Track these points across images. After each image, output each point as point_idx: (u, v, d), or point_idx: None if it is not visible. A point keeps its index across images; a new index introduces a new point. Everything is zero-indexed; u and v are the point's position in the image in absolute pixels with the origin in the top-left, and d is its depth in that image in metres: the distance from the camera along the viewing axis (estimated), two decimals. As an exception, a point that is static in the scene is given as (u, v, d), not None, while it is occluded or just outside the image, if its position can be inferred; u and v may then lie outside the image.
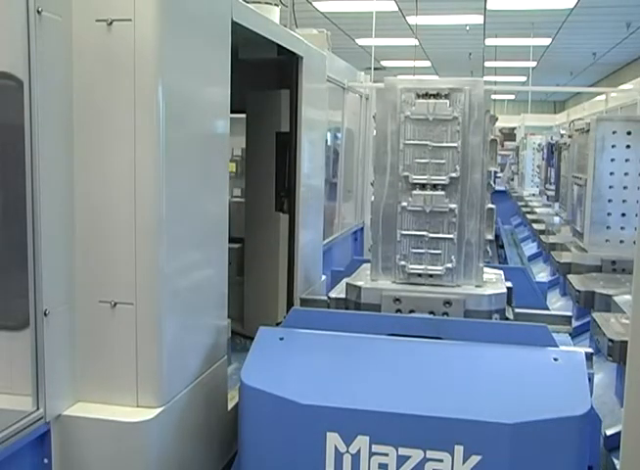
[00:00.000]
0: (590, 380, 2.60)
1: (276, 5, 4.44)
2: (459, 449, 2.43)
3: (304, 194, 4.39)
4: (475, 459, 2.43)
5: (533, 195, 13.34)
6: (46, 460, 2.46)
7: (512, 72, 20.86)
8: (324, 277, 5.10)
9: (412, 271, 3.41)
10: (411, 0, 11.51)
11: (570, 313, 3.90)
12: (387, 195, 3.45)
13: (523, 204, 12.14)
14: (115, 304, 2.53)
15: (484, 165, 3.41)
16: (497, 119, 3.58)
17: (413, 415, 2.46)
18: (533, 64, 16.92)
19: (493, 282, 3.52)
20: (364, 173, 8.55)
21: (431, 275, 3.40)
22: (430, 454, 2.45)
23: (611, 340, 3.49)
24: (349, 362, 2.78)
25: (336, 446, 2.52)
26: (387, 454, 2.48)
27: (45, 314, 2.36)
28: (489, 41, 15.89)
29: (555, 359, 2.67)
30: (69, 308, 2.52)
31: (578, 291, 4.81)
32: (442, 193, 3.39)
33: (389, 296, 3.27)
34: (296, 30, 5.41)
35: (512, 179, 18.60)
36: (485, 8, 12.52)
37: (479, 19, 13.52)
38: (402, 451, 2.46)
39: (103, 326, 2.55)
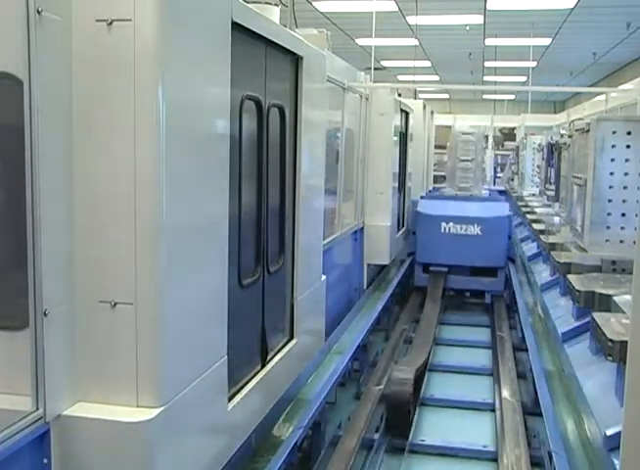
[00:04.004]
0: (510, 212, 10.20)
1: (276, 5, 4.43)
2: (479, 224, 9.54)
3: (304, 194, 4.39)
4: (480, 226, 9.49)
5: (533, 195, 13.35)
6: (46, 460, 2.45)
7: (512, 72, 20.88)
8: (324, 277, 5.10)
9: (460, 185, 12.27)
10: (411, 0, 11.53)
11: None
12: (452, 163, 12.71)
13: (523, 204, 12.16)
14: (115, 304, 2.53)
15: (482, 155, 13.64)
16: (488, 138, 15.57)
17: (464, 216, 9.64)
18: (533, 64, 16.93)
19: (485, 190, 13.36)
20: (364, 173, 8.55)
21: (465, 187, 12.19)
22: (468, 227, 9.55)
23: (611, 340, 3.49)
24: (445, 203, 10.34)
25: (443, 226, 9.64)
26: (457, 227, 9.58)
27: (45, 314, 2.36)
28: (489, 41, 15.90)
29: (487, 198, 12.13)
30: (69, 308, 2.52)
31: (578, 291, 4.81)
32: (469, 163, 12.27)
33: (453, 192, 12.24)
34: (296, 30, 5.41)
35: (512, 179, 18.62)
36: (485, 8, 12.53)
37: (479, 19, 13.53)
38: (460, 226, 9.57)
39: (103, 326, 2.55)
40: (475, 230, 9.44)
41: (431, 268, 9.60)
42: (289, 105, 4.16)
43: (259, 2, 4.15)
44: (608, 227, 5.62)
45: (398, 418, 5.16)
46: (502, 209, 9.95)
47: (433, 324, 7.71)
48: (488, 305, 9.33)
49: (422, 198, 11.07)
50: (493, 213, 9.70)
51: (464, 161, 12.22)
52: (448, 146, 13.54)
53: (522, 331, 6.94)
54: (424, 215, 9.87)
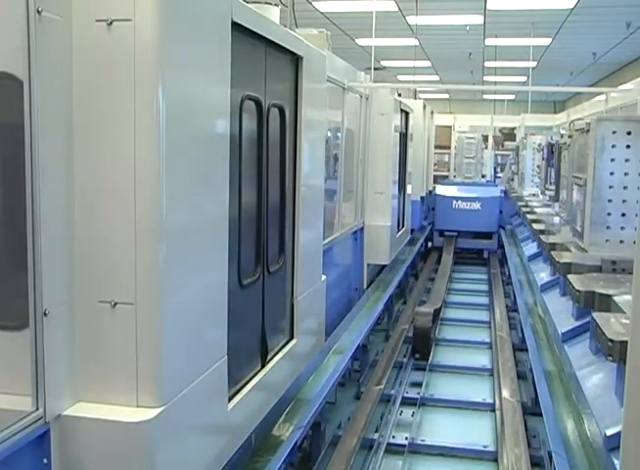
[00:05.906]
0: (501, 194, 14.70)
1: (276, 5, 4.43)
2: (479, 201, 13.96)
3: (304, 194, 4.39)
4: (480, 203, 13.99)
5: (533, 195, 13.34)
6: (46, 460, 2.45)
7: (512, 72, 20.86)
8: (324, 277, 5.10)
9: (465, 175, 17.76)
10: (411, 0, 11.52)
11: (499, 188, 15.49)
12: (459, 159, 18.19)
13: (523, 204, 12.13)
14: (115, 304, 2.53)
15: (482, 153, 18.98)
16: (487, 138, 20.17)
17: (469, 196, 14.12)
18: (533, 64, 16.91)
19: (482, 179, 18.62)
20: (364, 173, 8.55)
21: (469, 176, 17.64)
22: (472, 203, 14.04)
23: (611, 340, 3.48)
24: (455, 187, 14.68)
25: (453, 202, 14.01)
26: (464, 204, 13.93)
27: (45, 314, 2.36)
28: (489, 41, 15.89)
29: (484, 184, 16.83)
30: (69, 308, 2.52)
31: (578, 291, 4.80)
32: (472, 159, 18.10)
33: (461, 180, 16.99)
34: (296, 30, 5.42)
35: (512, 179, 18.61)
36: (485, 8, 12.52)
37: (479, 19, 13.52)
38: (466, 203, 14.04)
39: (103, 326, 2.55)
40: (476, 206, 13.87)
41: (445, 233, 14.01)
42: (289, 105, 4.16)
43: (259, 2, 4.15)
44: (608, 227, 5.61)
45: (422, 343, 7.19)
46: (495, 191, 14.63)
47: (447, 272, 11.37)
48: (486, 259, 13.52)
49: (437, 183, 15.43)
50: (489, 194, 14.27)
51: (468, 157, 18.08)
52: (455, 146, 18.76)
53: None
54: (440, 196, 14.22)
